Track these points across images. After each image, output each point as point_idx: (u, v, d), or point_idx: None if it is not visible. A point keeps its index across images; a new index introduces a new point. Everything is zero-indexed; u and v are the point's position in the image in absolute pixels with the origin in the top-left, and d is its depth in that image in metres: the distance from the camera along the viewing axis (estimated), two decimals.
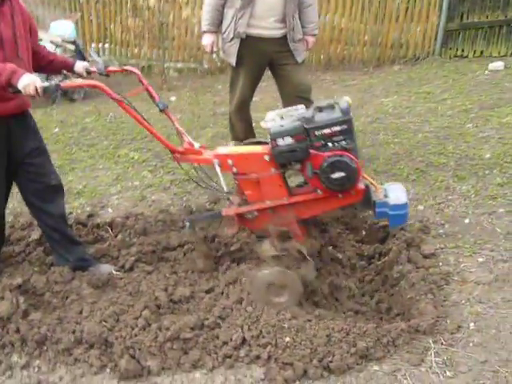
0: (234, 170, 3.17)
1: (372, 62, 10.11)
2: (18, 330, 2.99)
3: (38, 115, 7.45)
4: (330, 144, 3.01)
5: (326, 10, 10.06)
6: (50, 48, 8.19)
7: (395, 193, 3.19)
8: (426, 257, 3.55)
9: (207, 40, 4.68)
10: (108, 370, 2.77)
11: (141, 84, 3.47)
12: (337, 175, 3.00)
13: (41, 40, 8.39)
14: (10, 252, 3.87)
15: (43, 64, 3.51)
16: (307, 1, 4.57)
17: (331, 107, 3.05)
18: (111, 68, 3.53)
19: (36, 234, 4.06)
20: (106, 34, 11.06)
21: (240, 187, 3.27)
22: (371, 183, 3.23)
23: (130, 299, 3.14)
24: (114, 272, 3.55)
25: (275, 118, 3.21)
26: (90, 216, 4.44)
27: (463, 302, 3.15)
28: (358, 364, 2.72)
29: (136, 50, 11.00)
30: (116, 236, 4.04)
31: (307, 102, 4.65)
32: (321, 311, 3.00)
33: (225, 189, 3.24)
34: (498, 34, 9.42)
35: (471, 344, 2.81)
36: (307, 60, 9.77)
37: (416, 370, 2.71)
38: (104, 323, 2.93)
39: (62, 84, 2.99)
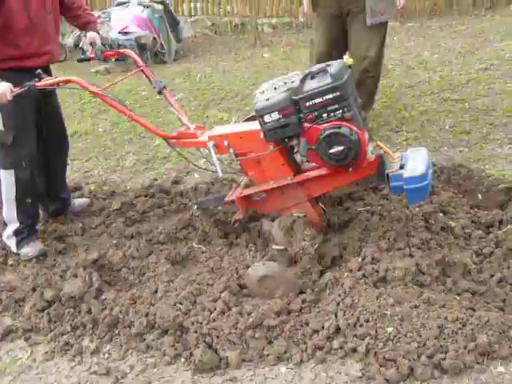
0: (231, 151, 2.90)
1: (483, 3, 9.12)
2: (89, 311, 2.76)
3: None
4: (324, 115, 2.65)
5: None
6: (138, 10, 7.97)
7: (413, 162, 2.74)
8: None
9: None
10: (182, 359, 2.45)
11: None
12: (335, 149, 2.63)
13: (129, 1, 8.22)
14: (89, 223, 3.66)
15: (68, 15, 3.55)
16: None
17: (324, 72, 2.65)
18: (108, 52, 3.57)
19: (117, 203, 3.83)
20: None
21: (243, 168, 3.01)
22: (386, 152, 2.82)
23: (209, 277, 2.81)
24: (196, 245, 3.23)
25: (267, 89, 2.84)
26: (175, 183, 4.16)
27: None
28: (477, 363, 2.23)
29: (228, 8, 10.60)
30: None
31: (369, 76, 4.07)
32: (430, 295, 2.51)
33: (220, 173, 2.95)
34: None
35: None
36: (412, 7, 8.94)
37: None
38: (179, 306, 2.62)
39: (37, 85, 2.95)
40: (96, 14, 7.79)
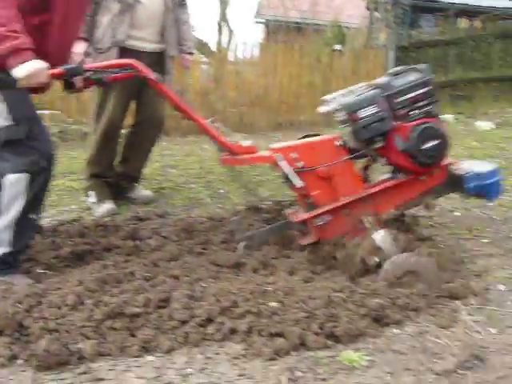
0: (300, 164, 2.63)
1: (322, 123, 9.84)
2: None
3: None
4: (413, 112, 2.64)
5: (274, 71, 9.78)
6: None
7: (478, 164, 2.85)
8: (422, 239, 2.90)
9: (79, 48, 3.47)
10: (21, 361, 1.92)
11: None
12: (429, 145, 2.57)
13: None
14: None
15: None
16: (183, 17, 3.89)
17: (407, 71, 2.70)
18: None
19: None
20: None
21: (306, 188, 2.66)
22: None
23: (58, 281, 2.35)
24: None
25: (338, 96, 2.77)
26: None
27: (482, 270, 2.61)
28: (372, 328, 2.02)
29: None
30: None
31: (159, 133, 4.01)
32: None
33: (298, 183, 2.62)
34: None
35: (509, 302, 2.34)
36: (256, 123, 9.30)
37: (449, 331, 2.04)
38: (18, 305, 2.12)
39: (87, 66, 2.56)
40: None
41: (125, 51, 3.62)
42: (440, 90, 9.23)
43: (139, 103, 3.83)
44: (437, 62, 9.42)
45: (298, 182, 2.59)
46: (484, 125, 7.19)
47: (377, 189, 2.68)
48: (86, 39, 3.60)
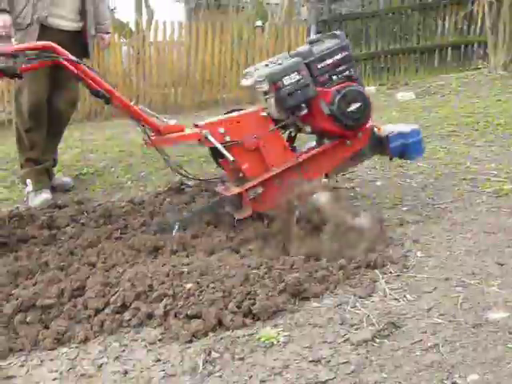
0: (228, 138, 2.62)
1: (246, 100, 9.79)
2: None
3: None
4: (334, 77, 2.70)
5: (196, 50, 9.64)
6: None
7: (401, 125, 2.94)
8: None
9: (3, 20, 3.31)
10: None
11: None
12: (353, 107, 2.63)
13: None
14: None
15: None
16: None
17: (324, 39, 2.79)
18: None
19: None
20: None
21: (236, 163, 2.64)
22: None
23: None
24: None
25: (260, 66, 2.79)
26: None
27: (401, 237, 2.64)
28: (290, 304, 2.01)
29: None
30: None
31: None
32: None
33: (230, 158, 2.62)
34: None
35: (426, 268, 2.35)
36: (180, 103, 9.16)
37: (367, 300, 2.06)
38: None
39: None
40: None
41: (45, 30, 3.46)
42: (362, 62, 9.37)
43: (52, 81, 3.66)
44: (358, 34, 9.52)
45: (230, 157, 2.58)
46: (405, 95, 7.32)
47: (306, 156, 2.72)
48: (8, 11, 3.32)
